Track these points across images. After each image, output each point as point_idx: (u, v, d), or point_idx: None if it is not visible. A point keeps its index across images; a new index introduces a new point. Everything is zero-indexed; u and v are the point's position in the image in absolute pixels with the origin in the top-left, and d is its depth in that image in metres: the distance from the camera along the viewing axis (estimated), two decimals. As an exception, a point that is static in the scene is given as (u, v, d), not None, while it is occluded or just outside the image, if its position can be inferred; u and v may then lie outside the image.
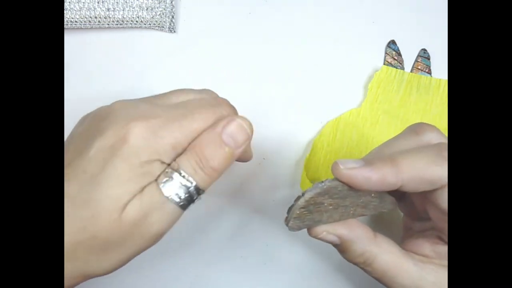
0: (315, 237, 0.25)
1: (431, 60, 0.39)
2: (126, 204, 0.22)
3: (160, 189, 0.22)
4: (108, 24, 0.36)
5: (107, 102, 0.36)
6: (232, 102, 0.26)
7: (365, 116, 0.37)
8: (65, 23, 0.35)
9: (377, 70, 0.38)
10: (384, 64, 0.38)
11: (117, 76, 0.37)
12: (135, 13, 0.36)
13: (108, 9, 0.36)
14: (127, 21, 0.36)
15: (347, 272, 0.36)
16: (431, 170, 0.23)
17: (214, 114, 0.24)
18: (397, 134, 0.27)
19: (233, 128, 0.24)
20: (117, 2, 0.36)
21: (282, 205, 0.36)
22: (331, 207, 0.24)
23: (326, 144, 0.36)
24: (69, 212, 0.21)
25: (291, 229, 0.25)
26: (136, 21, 0.36)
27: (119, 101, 0.25)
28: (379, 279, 0.26)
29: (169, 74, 0.37)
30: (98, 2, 0.35)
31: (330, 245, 0.26)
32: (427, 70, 0.38)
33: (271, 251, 0.36)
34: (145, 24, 0.37)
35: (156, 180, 0.23)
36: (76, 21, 0.35)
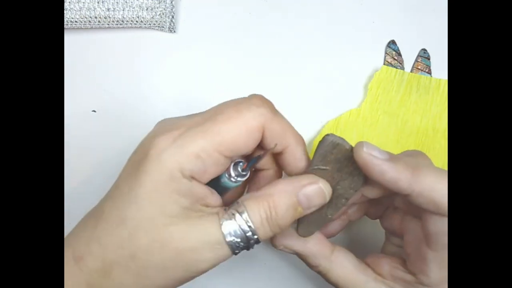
0: (277, 248, 0.27)
1: (431, 60, 0.39)
2: (166, 225, 0.21)
3: (221, 230, 0.21)
4: (108, 24, 0.36)
5: (107, 102, 0.36)
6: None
7: (365, 116, 0.37)
8: (65, 23, 0.35)
9: (377, 70, 0.38)
10: (384, 64, 0.38)
11: (117, 76, 0.37)
12: (135, 13, 0.36)
13: (108, 9, 0.36)
14: (127, 21, 0.36)
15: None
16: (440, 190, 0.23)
17: (237, 111, 0.23)
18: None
19: (312, 191, 0.23)
20: (117, 2, 0.36)
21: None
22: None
23: (326, 144, 0.36)
24: (105, 229, 0.21)
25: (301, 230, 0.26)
26: (136, 21, 0.36)
27: (160, 123, 0.25)
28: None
29: (169, 74, 0.37)
30: (98, 2, 0.35)
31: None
32: (427, 70, 0.38)
33: (271, 251, 0.36)
34: (145, 24, 0.37)
35: (218, 215, 0.22)
36: (76, 21, 0.35)
